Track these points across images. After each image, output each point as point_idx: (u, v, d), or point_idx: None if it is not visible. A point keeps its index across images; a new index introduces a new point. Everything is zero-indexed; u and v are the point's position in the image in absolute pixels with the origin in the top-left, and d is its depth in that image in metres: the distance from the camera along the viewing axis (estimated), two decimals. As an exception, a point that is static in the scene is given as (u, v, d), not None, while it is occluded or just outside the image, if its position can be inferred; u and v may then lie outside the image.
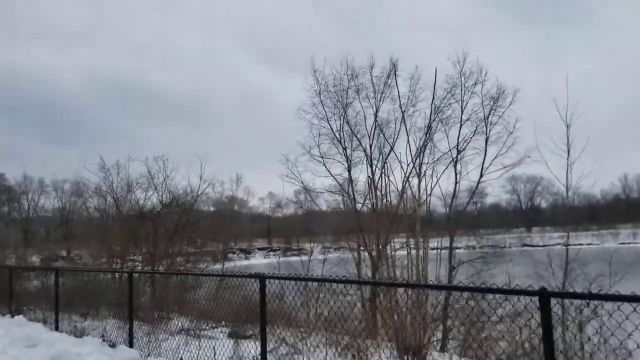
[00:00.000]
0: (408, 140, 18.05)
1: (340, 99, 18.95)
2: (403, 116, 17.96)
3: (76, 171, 41.95)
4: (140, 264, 19.89)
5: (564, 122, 12.85)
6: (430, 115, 17.70)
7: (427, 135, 17.63)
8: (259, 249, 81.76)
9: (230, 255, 48.45)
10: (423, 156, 17.74)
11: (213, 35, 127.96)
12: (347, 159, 18.78)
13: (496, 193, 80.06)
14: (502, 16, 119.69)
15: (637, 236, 73.05)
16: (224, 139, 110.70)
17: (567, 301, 4.71)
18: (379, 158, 18.40)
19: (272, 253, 72.01)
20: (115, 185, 21.37)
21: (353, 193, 18.50)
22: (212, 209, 29.45)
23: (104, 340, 8.88)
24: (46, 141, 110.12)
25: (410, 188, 17.77)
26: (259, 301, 6.01)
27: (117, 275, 12.16)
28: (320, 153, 18.97)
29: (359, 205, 18.81)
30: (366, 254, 17.22)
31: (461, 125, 17.46)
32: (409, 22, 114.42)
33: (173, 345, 7.77)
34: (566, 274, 11.80)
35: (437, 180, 17.66)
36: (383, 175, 18.20)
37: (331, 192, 19.69)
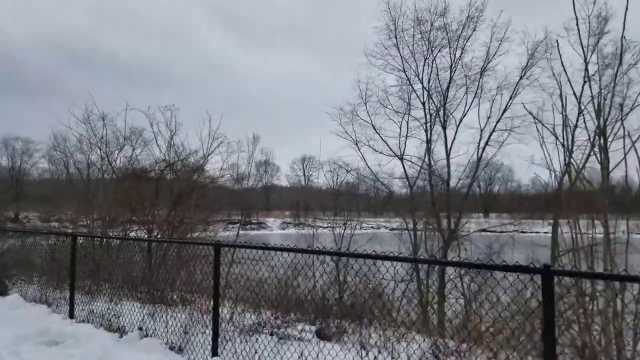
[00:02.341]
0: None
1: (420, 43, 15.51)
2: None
3: (52, 125, 37.50)
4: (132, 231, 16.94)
5: None
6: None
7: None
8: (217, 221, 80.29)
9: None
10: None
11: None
12: (427, 121, 15.48)
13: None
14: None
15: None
16: (189, 108, 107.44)
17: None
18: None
19: (230, 226, 69.72)
20: (107, 139, 18.26)
21: (430, 160, 15.04)
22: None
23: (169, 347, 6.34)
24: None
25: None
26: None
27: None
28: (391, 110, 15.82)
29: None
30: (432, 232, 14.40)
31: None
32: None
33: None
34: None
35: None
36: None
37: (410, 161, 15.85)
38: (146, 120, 16.47)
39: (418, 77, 15.50)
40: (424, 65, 15.56)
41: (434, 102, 15.10)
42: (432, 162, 14.50)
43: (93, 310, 8.14)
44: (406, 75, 15.68)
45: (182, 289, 10.51)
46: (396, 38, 15.47)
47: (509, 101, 13.74)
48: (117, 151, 18.47)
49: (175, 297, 10.54)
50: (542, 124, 11.13)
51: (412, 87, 15.43)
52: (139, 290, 10.69)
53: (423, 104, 15.26)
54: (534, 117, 11.49)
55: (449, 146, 14.64)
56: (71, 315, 7.73)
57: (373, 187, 17.88)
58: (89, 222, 20.38)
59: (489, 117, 14.18)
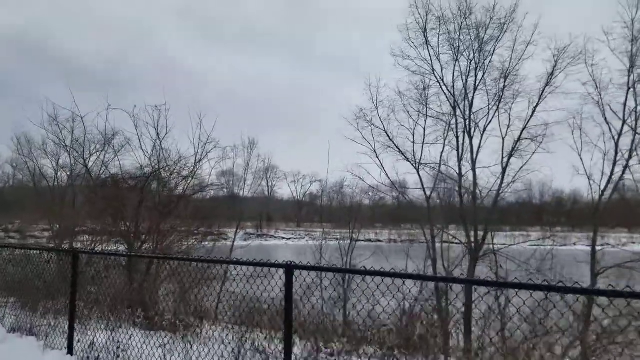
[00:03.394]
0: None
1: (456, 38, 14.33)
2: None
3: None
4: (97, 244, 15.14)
5: None
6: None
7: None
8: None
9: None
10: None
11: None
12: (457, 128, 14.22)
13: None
14: None
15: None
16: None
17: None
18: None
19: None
20: (83, 142, 16.44)
21: (460, 169, 13.79)
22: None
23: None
24: None
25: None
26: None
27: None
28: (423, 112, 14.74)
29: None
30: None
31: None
32: None
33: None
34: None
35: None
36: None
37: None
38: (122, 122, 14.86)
39: (441, 81, 14.56)
40: (454, 68, 14.55)
41: (459, 108, 14.08)
42: (461, 171, 13.49)
43: (94, 343, 6.68)
44: (435, 77, 14.64)
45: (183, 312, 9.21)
46: (425, 37, 14.48)
47: (534, 107, 12.87)
48: (93, 155, 16.76)
49: (176, 321, 9.21)
50: (582, 132, 10.36)
51: (444, 90, 14.42)
52: (137, 314, 9.29)
53: (454, 108, 14.23)
54: (571, 126, 10.73)
55: (474, 155, 13.70)
56: (70, 350, 6.29)
57: (395, 198, 16.63)
58: (52, 232, 18.54)
59: (508, 126, 13.31)
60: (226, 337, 6.51)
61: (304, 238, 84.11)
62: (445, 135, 14.16)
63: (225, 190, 25.34)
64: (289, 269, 4.56)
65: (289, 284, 4.57)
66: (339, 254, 14.58)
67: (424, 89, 14.80)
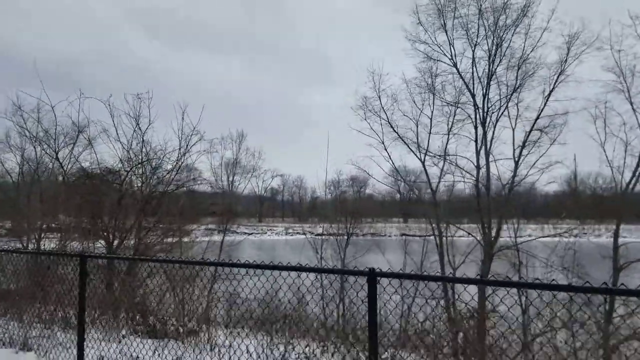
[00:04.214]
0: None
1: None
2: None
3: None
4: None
5: None
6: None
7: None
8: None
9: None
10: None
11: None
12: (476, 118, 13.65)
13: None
14: None
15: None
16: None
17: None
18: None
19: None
20: (54, 134, 15.18)
21: (478, 161, 13.14)
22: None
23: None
24: None
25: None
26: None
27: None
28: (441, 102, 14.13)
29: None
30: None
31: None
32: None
33: None
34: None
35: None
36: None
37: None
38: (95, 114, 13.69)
39: (455, 67, 14.02)
40: (473, 55, 13.96)
41: (474, 97, 13.53)
42: (479, 162, 13.01)
43: (103, 358, 5.94)
44: (454, 63, 13.99)
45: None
46: (443, 20, 13.82)
47: (546, 97, 12.54)
48: (64, 148, 15.53)
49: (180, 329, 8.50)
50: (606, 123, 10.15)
51: (461, 77, 13.80)
52: (136, 322, 8.52)
53: (473, 96, 13.64)
54: (593, 116, 10.51)
55: (488, 146, 13.17)
56: (81, 367, 5.44)
57: (409, 190, 15.95)
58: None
59: (515, 116, 12.94)
60: (250, 344, 5.89)
61: (265, 233, 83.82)
62: (452, 124, 13.78)
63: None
64: (372, 276, 3.99)
65: (372, 293, 3.99)
66: (333, 251, 14.00)
67: (435, 76, 14.31)
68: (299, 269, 4.51)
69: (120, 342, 6.68)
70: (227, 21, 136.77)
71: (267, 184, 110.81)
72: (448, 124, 14.06)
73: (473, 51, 13.84)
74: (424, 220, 14.10)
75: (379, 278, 4.12)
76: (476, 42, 13.61)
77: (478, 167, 13.16)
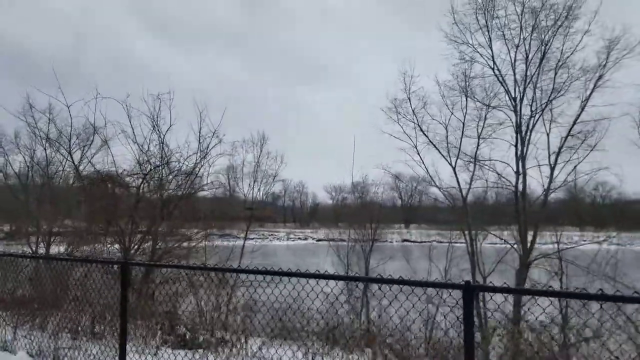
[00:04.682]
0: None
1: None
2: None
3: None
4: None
5: None
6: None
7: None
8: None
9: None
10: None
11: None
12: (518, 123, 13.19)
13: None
14: None
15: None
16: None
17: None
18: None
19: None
20: (69, 135, 14.78)
21: (518, 167, 12.69)
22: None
23: None
24: None
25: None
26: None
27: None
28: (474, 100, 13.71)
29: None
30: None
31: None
32: None
33: None
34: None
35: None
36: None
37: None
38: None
39: (495, 69, 13.57)
40: (515, 58, 13.45)
41: (514, 101, 13.06)
42: (519, 169, 12.56)
43: (143, 373, 5.56)
44: (495, 66, 13.54)
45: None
46: (485, 19, 13.35)
47: (584, 101, 12.17)
48: (79, 149, 15.15)
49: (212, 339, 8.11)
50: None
51: (503, 82, 13.32)
52: (165, 331, 8.13)
53: (514, 99, 13.18)
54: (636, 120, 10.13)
55: (525, 151, 12.75)
56: (124, 385, 5.05)
57: (448, 197, 15.44)
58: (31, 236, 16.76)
59: (549, 122, 12.61)
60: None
61: (267, 238, 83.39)
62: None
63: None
64: (469, 290, 3.62)
65: (468, 308, 3.62)
66: (356, 257, 13.60)
67: (471, 78, 13.88)
68: (381, 280, 4.14)
69: (156, 354, 6.30)
70: (227, 21, 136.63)
71: (269, 189, 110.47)
72: (478, 129, 13.70)
73: (514, 53, 13.44)
74: (455, 226, 13.80)
75: (479, 292, 3.76)
76: (517, 43, 13.17)
77: (517, 173, 12.76)
